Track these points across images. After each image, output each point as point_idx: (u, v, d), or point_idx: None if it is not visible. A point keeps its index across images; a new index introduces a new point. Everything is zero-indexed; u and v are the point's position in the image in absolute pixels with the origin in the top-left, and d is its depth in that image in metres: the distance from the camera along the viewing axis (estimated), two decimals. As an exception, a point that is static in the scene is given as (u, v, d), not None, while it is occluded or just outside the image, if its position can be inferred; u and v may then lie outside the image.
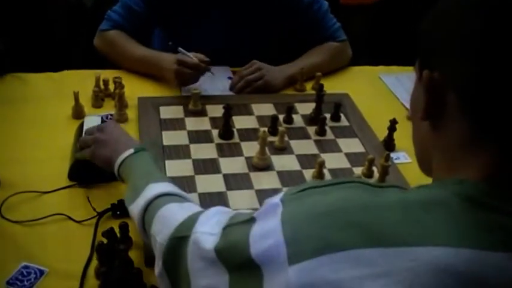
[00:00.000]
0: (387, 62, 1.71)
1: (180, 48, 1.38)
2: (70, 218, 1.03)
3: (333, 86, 1.50)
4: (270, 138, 1.22)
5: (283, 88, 1.49)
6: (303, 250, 0.52)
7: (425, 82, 0.59)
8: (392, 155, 1.28)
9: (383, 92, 1.57)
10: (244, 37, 1.54)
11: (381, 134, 1.33)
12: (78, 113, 1.31)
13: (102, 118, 1.24)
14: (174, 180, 1.08)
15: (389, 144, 1.30)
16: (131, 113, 1.34)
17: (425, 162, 0.66)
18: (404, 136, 1.31)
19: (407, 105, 1.47)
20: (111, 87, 1.41)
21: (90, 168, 1.08)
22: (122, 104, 1.31)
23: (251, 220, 0.60)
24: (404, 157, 1.28)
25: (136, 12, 1.49)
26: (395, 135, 1.30)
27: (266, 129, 1.27)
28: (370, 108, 1.45)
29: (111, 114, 1.33)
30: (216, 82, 1.48)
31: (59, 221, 1.02)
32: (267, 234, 0.56)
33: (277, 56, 1.56)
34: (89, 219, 1.02)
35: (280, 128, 1.23)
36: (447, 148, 0.59)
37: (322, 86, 1.33)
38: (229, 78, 1.50)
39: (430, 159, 0.64)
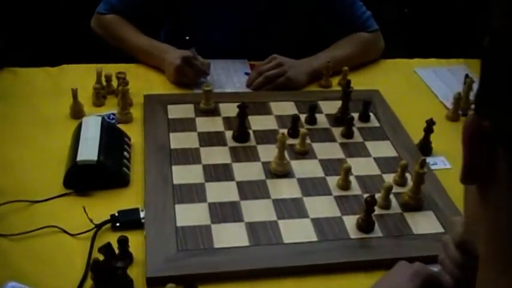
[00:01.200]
0: (423, 54, 1.65)
1: (192, 49, 1.37)
2: (64, 231, 0.99)
3: (361, 81, 1.44)
4: (290, 141, 1.18)
5: (307, 85, 1.45)
6: None
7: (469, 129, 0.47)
8: (429, 160, 1.22)
9: (419, 88, 1.51)
10: (262, 27, 1.49)
11: (416, 136, 1.27)
12: (77, 112, 1.28)
13: (103, 118, 1.21)
14: (181, 188, 1.05)
15: (425, 148, 1.24)
16: (136, 112, 1.31)
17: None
18: (442, 139, 1.26)
19: (447, 103, 1.41)
20: (114, 83, 1.38)
21: (90, 174, 1.05)
22: (125, 102, 1.28)
23: None
24: (442, 162, 1.23)
25: None
26: (433, 137, 1.24)
27: (286, 131, 1.23)
28: (404, 106, 1.39)
29: (113, 114, 1.30)
30: (232, 77, 1.44)
31: (52, 234, 0.99)
32: None
33: (299, 50, 1.51)
34: (85, 232, 0.99)
35: (302, 130, 1.18)
36: (496, 228, 0.47)
37: (349, 82, 1.27)
38: (247, 73, 1.46)
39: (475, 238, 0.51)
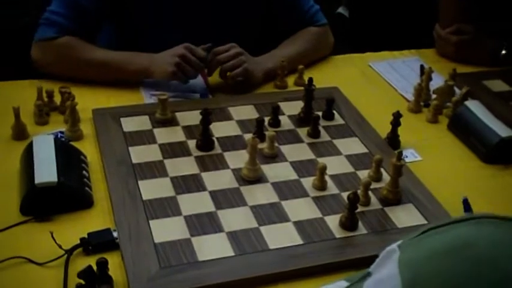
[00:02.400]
0: (375, 47, 1.75)
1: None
2: (31, 261, 0.99)
3: (317, 79, 1.50)
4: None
5: (261, 83, 1.50)
6: None
7: None
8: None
9: (376, 82, 1.60)
10: (213, 34, 1.54)
11: (382, 130, 1.35)
12: (20, 133, 1.28)
13: (56, 136, 1.22)
14: (152, 204, 1.08)
15: (393, 142, 1.33)
16: (86, 128, 1.32)
17: None
18: (409, 131, 1.35)
19: (406, 95, 1.51)
20: (57, 99, 1.38)
21: (51, 197, 1.06)
22: (75, 119, 1.29)
23: (366, 275, 0.60)
24: (412, 155, 1.31)
25: (84, 8, 1.46)
26: (399, 130, 1.33)
27: (251, 135, 1.28)
28: (364, 101, 1.48)
29: (61, 132, 1.30)
30: (190, 84, 1.47)
31: (18, 266, 0.99)
32: (382, 282, 0.56)
33: (254, 51, 1.57)
34: (56, 259, 0.99)
35: (269, 132, 1.24)
36: None
37: (311, 80, 1.34)
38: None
39: None
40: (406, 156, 1.30)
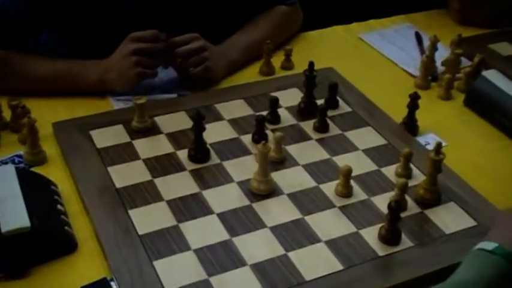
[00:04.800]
0: (361, 16, 1.60)
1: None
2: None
3: (305, 60, 1.34)
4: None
5: (222, 78, 1.33)
6: None
7: None
8: (419, 140, 1.17)
9: (372, 57, 1.46)
10: (174, 16, 1.35)
11: (394, 113, 1.22)
12: (-33, 162, 1.07)
13: (13, 162, 1.03)
14: (152, 239, 0.91)
15: (411, 128, 1.19)
16: (48, 148, 1.12)
17: None
18: (423, 112, 1.21)
19: (409, 69, 1.38)
20: (6, 114, 1.18)
21: (25, 246, 0.88)
22: (35, 138, 1.09)
23: None
24: (434, 140, 1.17)
25: (12, 15, 1.25)
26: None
27: (251, 137, 1.13)
28: (365, 81, 1.34)
29: (18, 156, 1.11)
30: (155, 82, 1.29)
31: None
32: None
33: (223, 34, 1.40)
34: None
35: (276, 133, 1.07)
36: None
37: (312, 64, 1.18)
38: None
39: None
40: (428, 143, 1.17)
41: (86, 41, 1.31)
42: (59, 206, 0.97)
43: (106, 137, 1.13)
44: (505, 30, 1.53)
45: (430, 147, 1.15)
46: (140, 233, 0.94)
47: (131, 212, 0.97)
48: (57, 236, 0.92)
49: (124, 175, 1.05)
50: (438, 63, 1.36)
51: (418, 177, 1.06)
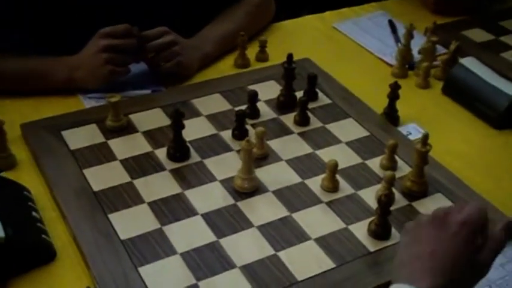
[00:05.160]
0: (333, 5, 1.58)
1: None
2: None
3: (280, 51, 1.31)
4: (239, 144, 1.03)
5: (195, 72, 1.29)
6: None
7: None
8: (400, 130, 1.16)
9: (347, 47, 1.44)
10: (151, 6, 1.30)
11: (374, 104, 1.21)
12: None
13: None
14: (135, 243, 0.88)
15: (392, 117, 1.17)
16: (18, 152, 1.07)
17: None
18: (402, 101, 1.19)
19: (385, 58, 1.36)
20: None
21: (1, 258, 0.82)
22: (3, 141, 1.03)
23: None
24: (416, 130, 1.17)
25: None
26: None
27: (231, 132, 1.10)
28: (342, 71, 1.32)
29: (-14, 161, 1.05)
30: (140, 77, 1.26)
31: None
32: None
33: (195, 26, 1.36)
34: None
35: (258, 129, 1.04)
36: None
37: (291, 56, 1.15)
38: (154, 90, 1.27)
39: None
40: (410, 133, 1.16)
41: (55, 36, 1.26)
42: (34, 213, 0.93)
43: (79, 138, 1.08)
44: (477, 17, 1.52)
45: (412, 137, 1.14)
46: (122, 237, 0.90)
47: (111, 216, 0.93)
48: (34, 246, 0.87)
49: (101, 177, 1.00)
50: (414, 51, 1.35)
51: (403, 169, 1.05)
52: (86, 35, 1.20)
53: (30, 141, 1.08)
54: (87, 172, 1.01)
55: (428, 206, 0.98)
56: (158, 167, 1.03)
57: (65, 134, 1.09)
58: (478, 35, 1.45)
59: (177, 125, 1.02)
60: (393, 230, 0.92)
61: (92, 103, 1.19)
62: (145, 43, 1.21)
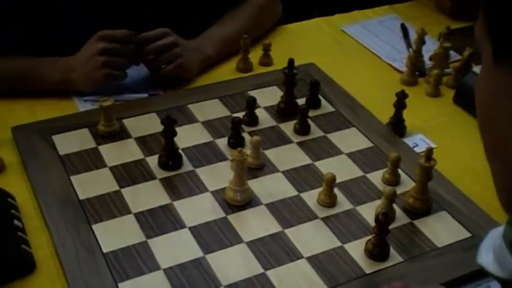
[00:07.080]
0: (344, 7, 1.53)
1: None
2: None
3: (284, 55, 1.25)
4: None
5: (197, 75, 1.25)
6: None
7: None
8: (406, 141, 1.10)
9: (355, 51, 1.38)
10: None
11: (380, 113, 1.15)
12: None
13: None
14: (117, 257, 0.84)
15: (398, 129, 1.12)
16: (6, 156, 1.03)
17: None
18: (410, 110, 1.13)
19: (394, 64, 1.31)
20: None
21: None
22: (-10, 145, 1.00)
23: None
24: (423, 142, 1.11)
25: None
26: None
27: (226, 140, 1.05)
28: (348, 77, 1.27)
29: (-27, 164, 1.01)
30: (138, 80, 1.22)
31: None
32: None
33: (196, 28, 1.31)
34: None
35: (254, 137, 1.00)
36: None
37: (292, 62, 1.10)
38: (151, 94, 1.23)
39: None
40: (416, 145, 1.10)
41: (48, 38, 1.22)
42: (16, 222, 0.89)
43: (70, 143, 1.04)
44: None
45: (419, 149, 1.08)
46: (105, 250, 0.86)
47: (95, 227, 0.89)
48: (12, 256, 0.84)
49: (88, 185, 0.96)
50: (426, 57, 1.29)
51: (407, 183, 0.99)
52: (83, 36, 1.16)
53: (20, 145, 1.04)
54: (74, 179, 0.97)
55: (432, 225, 0.92)
56: (148, 176, 0.99)
57: (56, 138, 1.05)
58: (494, 41, 1.38)
59: (169, 133, 0.98)
60: (392, 251, 0.87)
61: (87, 106, 1.15)
62: (145, 45, 1.16)
